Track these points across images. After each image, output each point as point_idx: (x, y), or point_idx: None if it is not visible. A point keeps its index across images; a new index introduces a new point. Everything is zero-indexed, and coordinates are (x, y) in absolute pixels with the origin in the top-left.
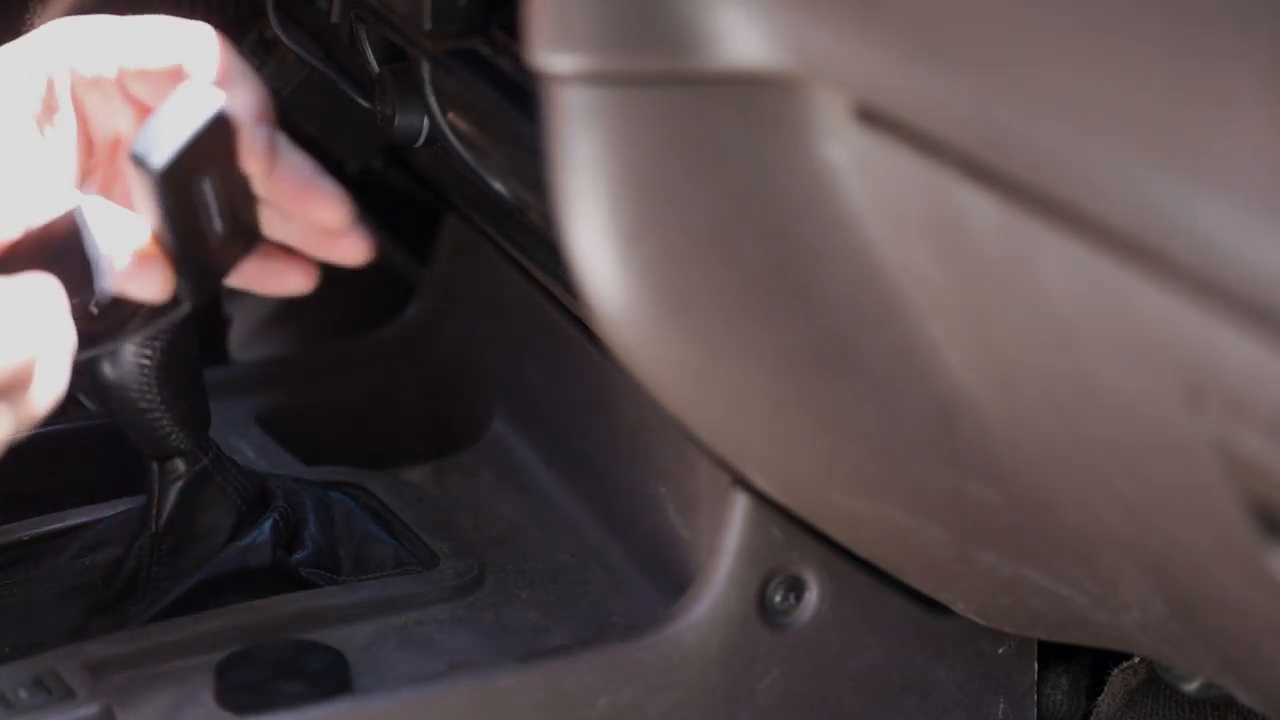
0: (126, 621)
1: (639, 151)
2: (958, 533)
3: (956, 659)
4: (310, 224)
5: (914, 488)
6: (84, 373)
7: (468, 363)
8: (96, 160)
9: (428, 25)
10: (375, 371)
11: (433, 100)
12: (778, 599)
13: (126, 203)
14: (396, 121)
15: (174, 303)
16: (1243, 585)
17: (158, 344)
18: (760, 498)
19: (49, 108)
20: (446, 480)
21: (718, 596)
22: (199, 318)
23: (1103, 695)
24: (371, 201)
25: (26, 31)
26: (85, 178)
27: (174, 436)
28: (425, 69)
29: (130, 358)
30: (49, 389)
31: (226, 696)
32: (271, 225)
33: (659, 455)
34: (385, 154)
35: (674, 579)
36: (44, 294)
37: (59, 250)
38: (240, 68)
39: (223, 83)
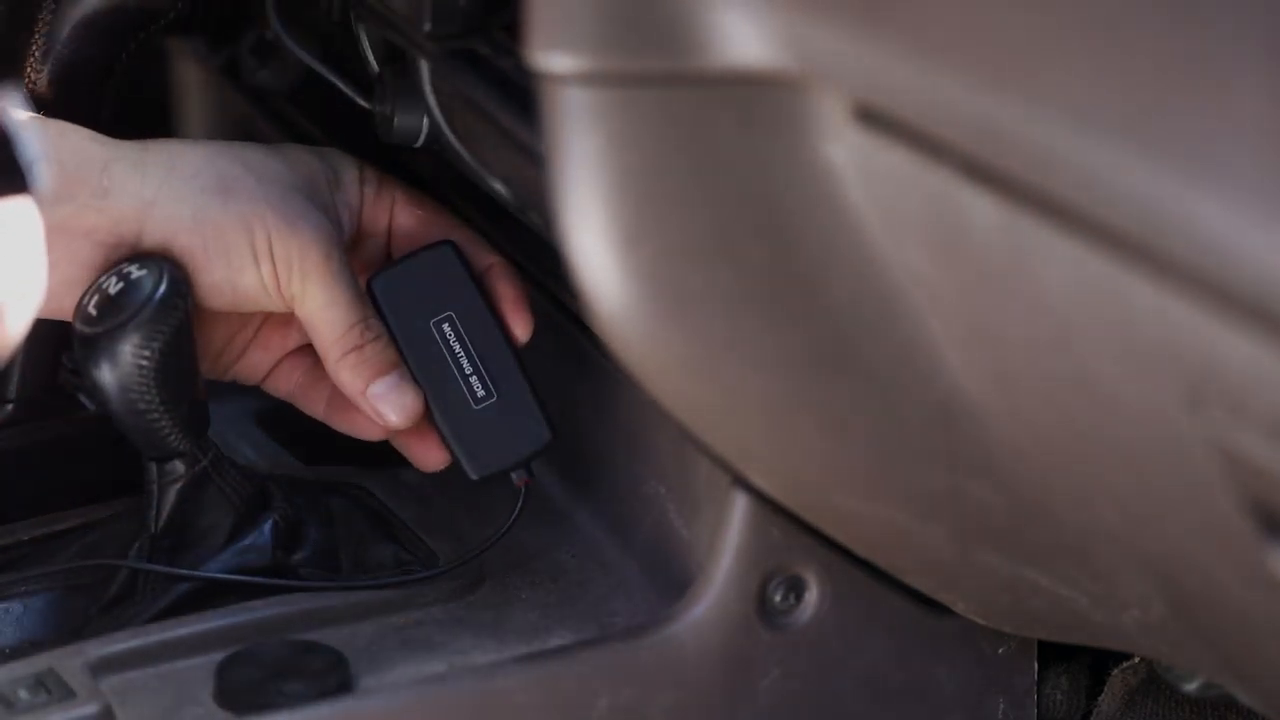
0: (126, 621)
1: (638, 152)
2: (958, 533)
3: (956, 659)
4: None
5: (914, 488)
6: (84, 373)
7: None
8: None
9: (428, 25)
10: None
11: (433, 100)
12: (778, 599)
13: None
14: (396, 121)
15: (174, 306)
16: (1243, 585)
17: (157, 345)
18: (760, 498)
19: None
20: (446, 480)
21: (717, 596)
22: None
23: (1103, 695)
24: None
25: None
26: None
27: (173, 438)
28: (425, 69)
29: (130, 358)
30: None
31: (226, 696)
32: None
33: (659, 455)
34: (385, 154)
35: (674, 579)
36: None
37: None
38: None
39: None
